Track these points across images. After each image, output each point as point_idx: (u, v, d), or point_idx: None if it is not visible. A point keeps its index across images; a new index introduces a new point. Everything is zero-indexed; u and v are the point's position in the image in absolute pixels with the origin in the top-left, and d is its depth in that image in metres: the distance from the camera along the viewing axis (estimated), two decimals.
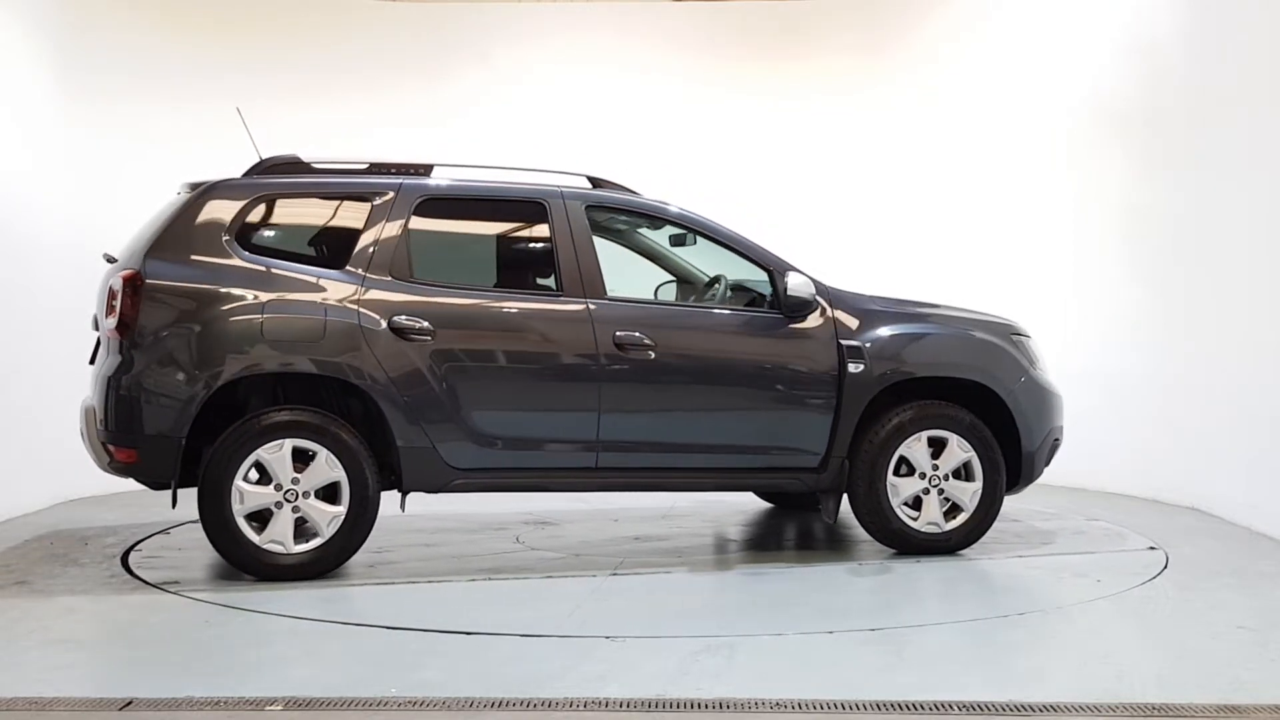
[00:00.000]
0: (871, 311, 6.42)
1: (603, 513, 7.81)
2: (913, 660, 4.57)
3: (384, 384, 5.78)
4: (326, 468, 5.71)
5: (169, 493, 5.83)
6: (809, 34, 10.38)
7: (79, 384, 6.21)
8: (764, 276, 6.36)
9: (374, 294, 5.84)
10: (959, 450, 6.34)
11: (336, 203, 6.14)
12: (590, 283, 6.09)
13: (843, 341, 6.26)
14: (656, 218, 6.56)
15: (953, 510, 6.40)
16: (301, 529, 5.78)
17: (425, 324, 5.84)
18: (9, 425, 7.63)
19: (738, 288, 6.57)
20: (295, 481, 5.68)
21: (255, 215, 5.95)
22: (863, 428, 6.28)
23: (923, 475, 6.33)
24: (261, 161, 6.14)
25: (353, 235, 5.96)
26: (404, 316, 5.83)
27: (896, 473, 6.31)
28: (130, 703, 4.01)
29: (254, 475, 5.73)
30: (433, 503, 6.42)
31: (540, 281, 6.22)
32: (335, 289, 5.82)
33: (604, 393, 6.01)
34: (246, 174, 6.07)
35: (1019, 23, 9.64)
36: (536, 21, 10.37)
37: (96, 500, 8.27)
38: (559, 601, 5.47)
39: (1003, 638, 5.00)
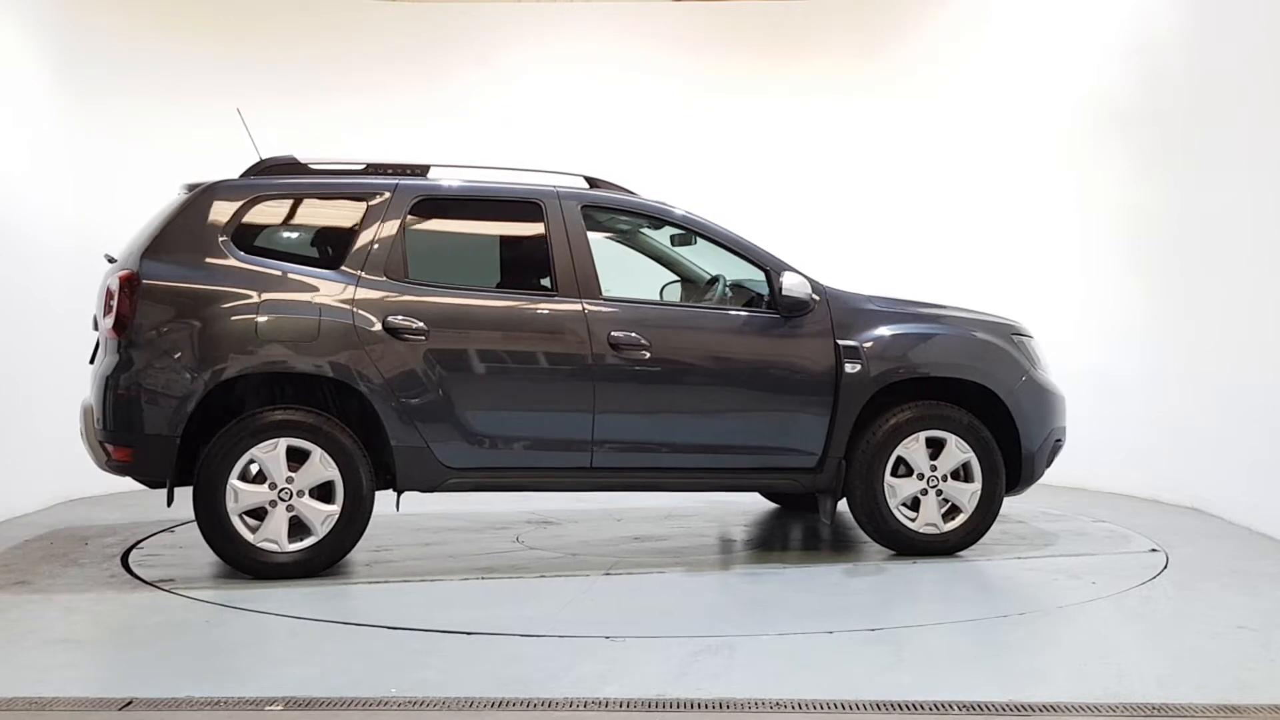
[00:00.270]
0: (869, 311, 6.40)
1: (606, 512, 7.82)
2: (913, 660, 4.57)
3: (378, 384, 5.80)
4: (320, 467, 5.74)
5: (166, 491, 5.86)
6: (809, 34, 10.38)
7: (79, 384, 6.22)
8: (762, 276, 6.36)
9: (369, 294, 5.85)
10: (957, 451, 6.32)
11: (333, 203, 6.16)
12: (585, 283, 6.09)
13: (839, 341, 6.24)
14: (653, 218, 6.55)
15: (952, 511, 6.38)
16: (297, 527, 5.80)
17: (419, 324, 5.86)
18: (9, 425, 7.63)
19: (737, 288, 6.57)
20: (290, 480, 5.72)
21: (252, 216, 5.96)
22: (860, 428, 6.27)
23: (921, 476, 6.32)
24: (259, 162, 6.16)
25: (349, 235, 5.98)
26: (398, 316, 5.85)
27: (894, 473, 6.30)
28: (130, 703, 4.01)
29: (255, 471, 5.76)
30: (438, 502, 6.44)
31: (536, 281, 6.21)
32: (330, 289, 5.84)
33: (599, 393, 6.01)
34: (244, 175, 6.10)
35: (1019, 23, 9.64)
36: (535, 22, 10.37)
37: (96, 500, 8.27)
38: (546, 601, 5.47)
39: (1003, 638, 4.99)
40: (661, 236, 6.79)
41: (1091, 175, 9.01)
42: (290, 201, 6.15)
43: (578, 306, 6.05)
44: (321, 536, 5.76)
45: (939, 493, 6.34)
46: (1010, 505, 7.59)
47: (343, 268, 5.91)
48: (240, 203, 5.92)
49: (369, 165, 6.24)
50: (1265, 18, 7.15)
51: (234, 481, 5.67)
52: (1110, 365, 8.71)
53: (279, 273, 5.84)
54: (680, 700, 4.03)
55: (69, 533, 7.15)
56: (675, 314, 6.41)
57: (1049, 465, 6.65)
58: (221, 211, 5.89)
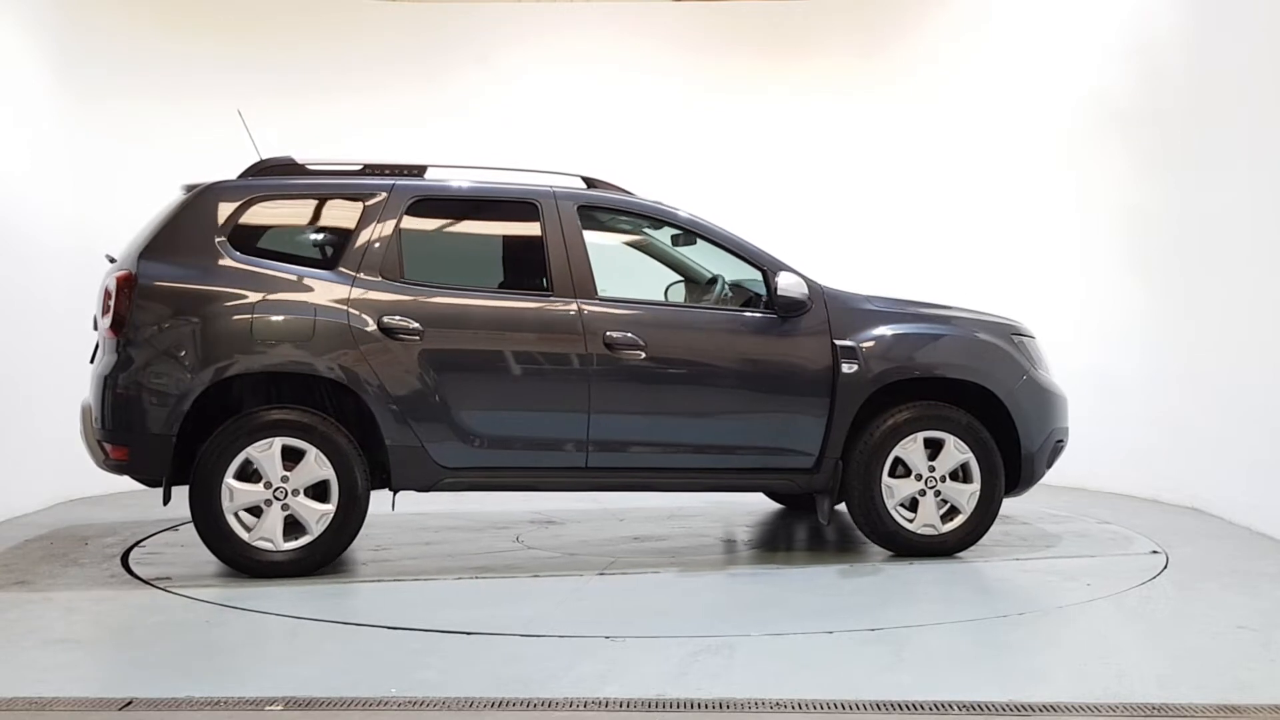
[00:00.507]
0: (867, 311, 6.39)
1: (610, 512, 7.82)
2: (913, 660, 4.57)
3: (373, 383, 5.82)
4: (315, 466, 5.76)
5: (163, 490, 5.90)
6: (809, 34, 10.38)
7: (79, 384, 6.23)
8: (760, 276, 6.35)
9: (364, 294, 5.88)
10: (956, 451, 6.30)
11: (330, 204, 6.19)
12: (581, 283, 6.09)
13: (836, 341, 6.23)
14: (649, 218, 6.54)
15: (951, 512, 6.35)
16: (293, 526, 5.83)
17: (414, 324, 5.87)
18: (9, 425, 7.63)
19: (736, 288, 6.56)
20: (285, 480, 5.74)
21: (249, 217, 5.98)
22: (859, 429, 6.25)
23: (919, 477, 6.29)
24: (256, 163, 6.19)
25: (345, 236, 6.01)
26: (393, 317, 5.86)
27: (892, 474, 6.28)
28: (130, 703, 4.01)
29: (253, 470, 5.78)
30: (442, 502, 6.45)
31: (531, 281, 6.20)
32: (326, 289, 5.86)
33: (594, 392, 6.01)
34: (241, 176, 6.12)
35: (1019, 23, 9.64)
36: (535, 22, 10.37)
37: (96, 500, 8.28)
38: (538, 601, 5.47)
39: (1003, 638, 4.99)
40: (663, 237, 6.79)
41: (1091, 175, 9.01)
42: (287, 202, 6.17)
43: (573, 306, 6.05)
44: (316, 535, 5.79)
45: (937, 493, 6.31)
46: (1014, 506, 7.60)
47: (338, 268, 5.94)
48: (237, 203, 5.95)
49: (366, 166, 6.26)
50: (1265, 18, 7.15)
51: (229, 480, 5.70)
52: (1110, 365, 8.70)
53: (275, 273, 5.87)
54: (680, 700, 4.03)
55: (69, 533, 7.15)
56: (671, 314, 6.39)
57: (1050, 466, 6.61)
58: (218, 212, 5.92)
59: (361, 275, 5.92)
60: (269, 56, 9.67)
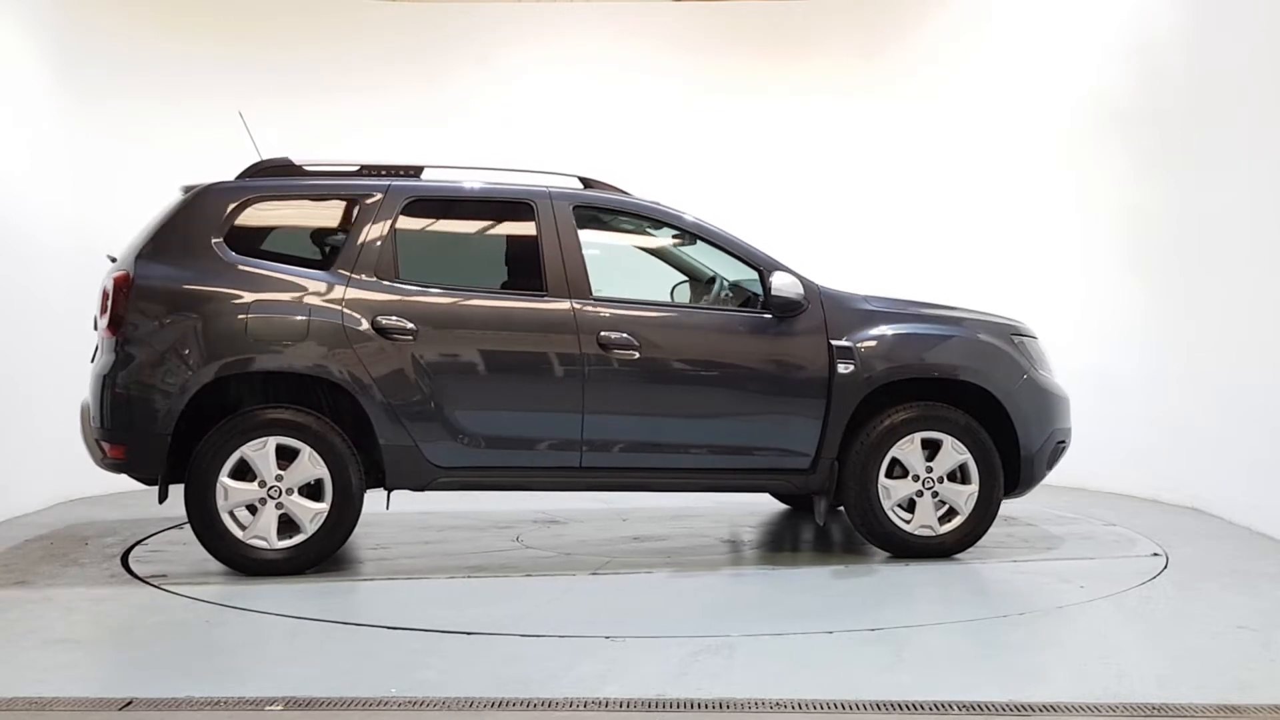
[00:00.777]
0: (864, 311, 6.36)
1: (614, 512, 7.83)
2: (913, 660, 4.57)
3: (367, 383, 5.84)
4: (309, 465, 5.79)
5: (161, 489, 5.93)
6: (809, 34, 10.39)
7: (79, 384, 6.23)
8: (757, 276, 6.34)
9: (358, 294, 5.90)
10: (954, 452, 6.27)
11: (326, 204, 6.21)
12: (576, 283, 6.09)
13: (833, 341, 6.21)
14: (646, 218, 6.54)
15: (949, 513, 6.32)
16: (287, 525, 5.86)
17: (408, 324, 5.89)
18: (9, 425, 7.64)
19: (736, 288, 6.55)
20: (279, 478, 5.77)
21: (245, 218, 6.01)
22: (856, 429, 6.24)
23: (916, 478, 6.27)
24: (253, 165, 6.21)
25: (341, 236, 6.04)
26: (387, 316, 5.87)
27: (889, 475, 6.25)
28: (130, 703, 4.01)
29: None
30: (446, 501, 6.45)
31: (526, 282, 6.20)
32: (321, 289, 5.89)
33: (588, 392, 6.01)
34: (239, 177, 6.15)
35: (1019, 23, 9.65)
36: (535, 22, 10.38)
37: (96, 500, 8.28)
38: (527, 600, 5.47)
39: (1003, 638, 4.99)
40: (665, 237, 6.78)
41: (1091, 175, 9.01)
42: (284, 203, 6.20)
43: (567, 306, 6.05)
44: (310, 534, 5.82)
45: (935, 494, 6.29)
46: (1018, 508, 7.60)
47: (334, 268, 5.96)
48: (234, 204, 5.98)
49: (363, 167, 6.28)
50: (1265, 18, 7.15)
51: (224, 479, 5.74)
52: (1110, 365, 8.70)
53: (270, 274, 5.90)
54: (680, 700, 4.03)
55: (69, 533, 7.15)
56: (666, 314, 6.37)
57: (1051, 468, 6.55)
58: (215, 213, 5.95)
59: (356, 275, 5.94)
60: (269, 56, 9.68)
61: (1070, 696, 4.07)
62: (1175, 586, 5.78)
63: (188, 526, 6.73)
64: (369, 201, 6.08)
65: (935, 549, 6.30)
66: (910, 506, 6.30)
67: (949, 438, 6.27)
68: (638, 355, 6.07)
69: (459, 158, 6.93)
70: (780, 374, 6.21)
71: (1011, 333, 6.58)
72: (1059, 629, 5.17)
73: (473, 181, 6.36)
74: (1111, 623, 5.19)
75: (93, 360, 6.07)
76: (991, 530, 6.49)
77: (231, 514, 5.78)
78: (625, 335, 6.06)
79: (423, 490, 6.06)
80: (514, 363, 6.05)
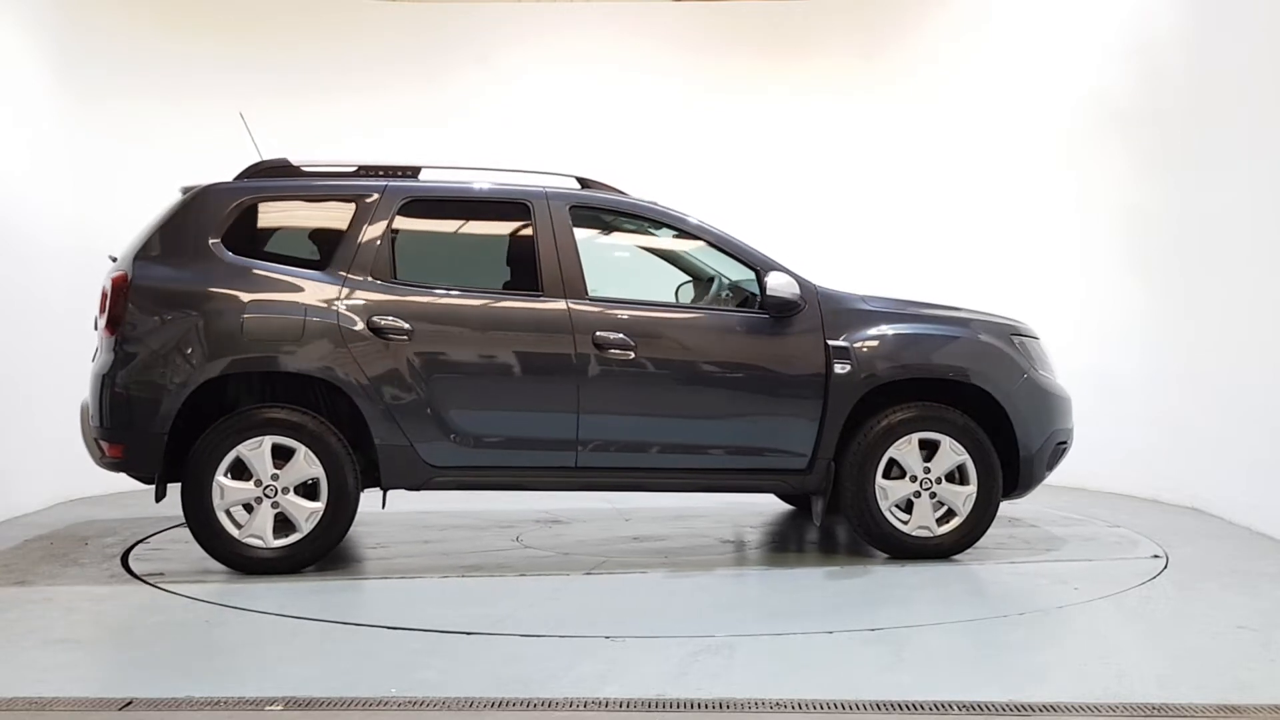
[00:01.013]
0: (862, 311, 6.34)
1: (618, 512, 7.84)
2: (913, 660, 4.57)
3: (362, 383, 5.85)
4: (305, 464, 5.82)
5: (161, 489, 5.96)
6: (809, 34, 10.39)
7: (79, 384, 6.24)
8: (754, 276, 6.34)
9: (354, 294, 5.93)
10: (952, 453, 6.24)
11: (323, 205, 6.23)
12: (571, 283, 6.10)
13: (829, 341, 6.20)
14: (642, 218, 6.53)
15: (947, 514, 6.30)
16: (283, 523, 5.88)
17: (403, 324, 5.90)
18: (9, 425, 7.64)
19: (735, 288, 6.55)
20: (275, 478, 5.80)
21: (243, 218, 6.04)
22: (854, 430, 6.22)
23: (913, 478, 6.25)
24: (252, 165, 6.23)
25: (338, 237, 6.05)
26: (382, 317, 5.88)
27: (887, 475, 6.23)
28: (130, 703, 4.01)
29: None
30: (450, 501, 6.44)
31: (522, 282, 6.21)
32: (316, 290, 5.91)
33: (583, 392, 6.02)
34: (237, 178, 6.17)
35: (1019, 23, 9.65)
36: (535, 22, 10.38)
37: (96, 500, 8.28)
38: (512, 600, 5.46)
39: (1003, 638, 4.99)
40: (662, 237, 6.77)
41: (1091, 175, 9.01)
42: (281, 203, 6.22)
43: (562, 306, 6.06)
44: (306, 533, 5.84)
45: (933, 495, 6.26)
46: (1021, 508, 7.59)
47: (329, 269, 5.98)
48: (232, 205, 6.01)
49: (361, 167, 6.29)
50: (1265, 18, 7.15)
51: (220, 478, 5.77)
52: (1110, 365, 8.70)
53: (267, 274, 5.92)
54: (680, 700, 4.03)
55: (69, 533, 7.15)
56: (662, 314, 6.32)
57: (1052, 468, 6.52)
58: (213, 214, 5.98)
59: (352, 276, 5.96)
60: (269, 56, 9.68)
61: (1070, 696, 4.07)
62: (1175, 586, 5.78)
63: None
64: (366, 202, 6.10)
65: (933, 550, 6.28)
66: (908, 507, 6.28)
67: (947, 438, 6.24)
68: (633, 355, 6.06)
69: (459, 158, 6.94)
70: (776, 374, 6.19)
71: (1011, 333, 6.55)
72: (1059, 629, 5.17)
73: (469, 182, 6.37)
74: (1111, 623, 5.19)
75: (93, 360, 6.08)
76: (993, 531, 6.49)
77: (228, 513, 5.81)
78: (620, 335, 6.06)
79: (418, 490, 6.07)
80: (509, 363, 6.05)
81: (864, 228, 10.10)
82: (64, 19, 8.59)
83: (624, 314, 6.13)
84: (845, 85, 10.29)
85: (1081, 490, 8.69)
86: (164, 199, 6.22)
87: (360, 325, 5.88)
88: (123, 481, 6.13)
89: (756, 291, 6.30)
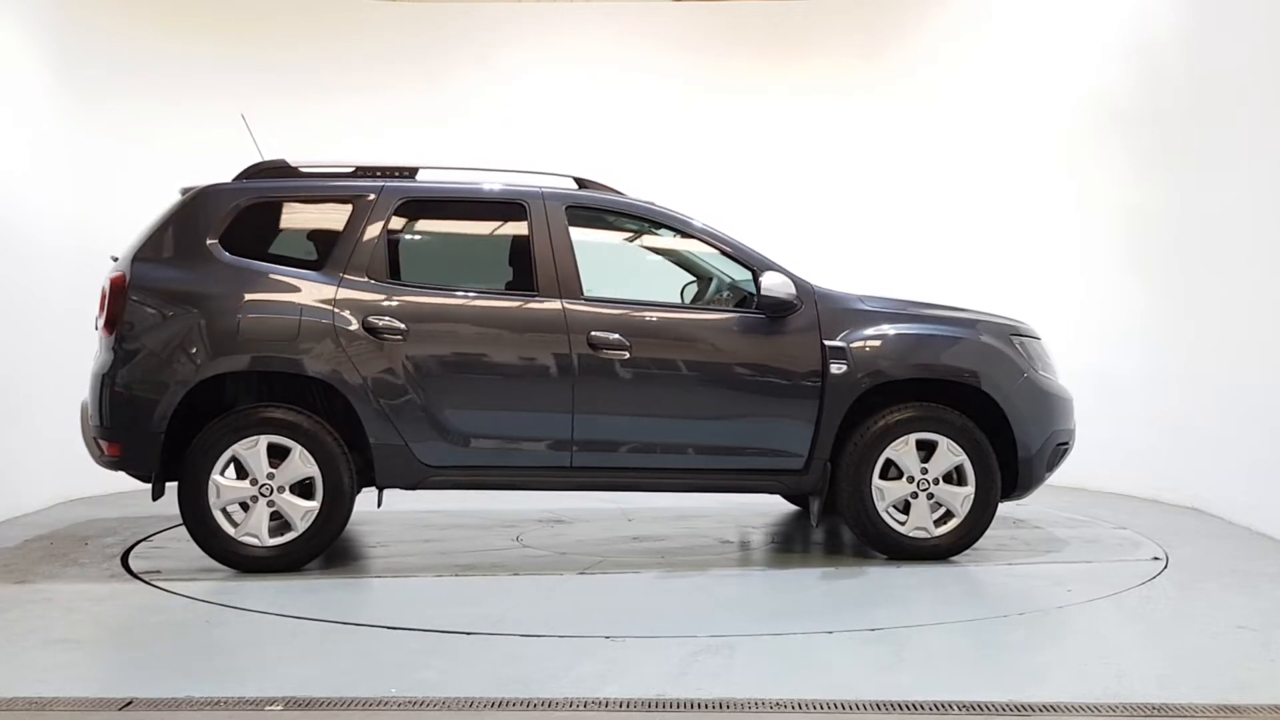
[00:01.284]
0: (859, 311, 6.32)
1: (622, 511, 7.83)
2: (913, 660, 4.57)
3: (358, 383, 5.87)
4: (300, 463, 5.84)
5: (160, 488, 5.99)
6: (809, 34, 10.39)
7: (79, 384, 6.24)
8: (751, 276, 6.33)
9: (350, 294, 5.94)
10: (949, 454, 6.21)
11: (321, 205, 6.25)
12: (566, 283, 6.10)
13: (826, 342, 6.18)
14: (640, 218, 6.52)
15: (945, 515, 6.27)
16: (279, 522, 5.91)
17: (399, 324, 5.91)
18: (9, 425, 7.64)
19: (734, 288, 6.54)
20: (270, 477, 5.83)
21: (241, 219, 6.05)
22: (851, 430, 6.20)
23: (911, 479, 6.22)
24: (250, 166, 6.25)
25: (334, 237, 6.07)
26: (377, 317, 5.89)
27: (884, 476, 6.21)
28: (130, 703, 4.01)
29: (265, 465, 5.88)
30: (452, 500, 6.43)
31: (517, 282, 6.22)
32: (312, 290, 5.93)
33: (578, 392, 6.02)
34: (236, 179, 6.19)
35: (1019, 23, 9.65)
36: (535, 22, 10.38)
37: (96, 500, 8.28)
38: (503, 599, 5.46)
39: (1003, 638, 4.99)
40: (659, 237, 6.77)
41: (1091, 175, 9.01)
42: (279, 204, 6.23)
43: (557, 306, 6.06)
44: (301, 532, 5.86)
45: (930, 496, 6.24)
46: (1023, 509, 7.59)
47: (325, 269, 6.00)
48: (230, 206, 6.04)
49: (358, 168, 6.30)
50: (1265, 18, 7.15)
51: (216, 477, 5.80)
52: (1110, 365, 8.70)
53: (264, 274, 5.94)
54: (680, 700, 4.03)
55: (69, 533, 7.15)
56: (657, 314, 6.28)
57: (1052, 469, 6.47)
58: (211, 215, 6.01)
59: (349, 276, 5.98)
60: (269, 56, 9.68)
61: (1070, 696, 4.07)
62: (1175, 586, 5.78)
63: None
64: (363, 202, 6.11)
65: (930, 551, 6.26)
66: (905, 508, 6.26)
67: (945, 439, 6.22)
68: (628, 355, 6.06)
69: (459, 158, 6.93)
70: (772, 374, 6.18)
71: (1011, 333, 6.52)
72: (1059, 629, 5.17)
73: (465, 182, 6.38)
74: (1111, 623, 5.19)
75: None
76: (993, 532, 6.48)
77: (224, 511, 5.84)
78: (615, 335, 6.06)
79: (414, 489, 6.08)
80: (504, 363, 6.05)
81: (864, 228, 10.10)
82: (64, 19, 8.59)
83: (619, 314, 6.13)
84: (845, 85, 10.29)
85: (1082, 490, 8.69)
86: (164, 199, 6.22)
87: (356, 325, 5.90)
88: (123, 481, 6.14)
89: (753, 291, 6.30)
